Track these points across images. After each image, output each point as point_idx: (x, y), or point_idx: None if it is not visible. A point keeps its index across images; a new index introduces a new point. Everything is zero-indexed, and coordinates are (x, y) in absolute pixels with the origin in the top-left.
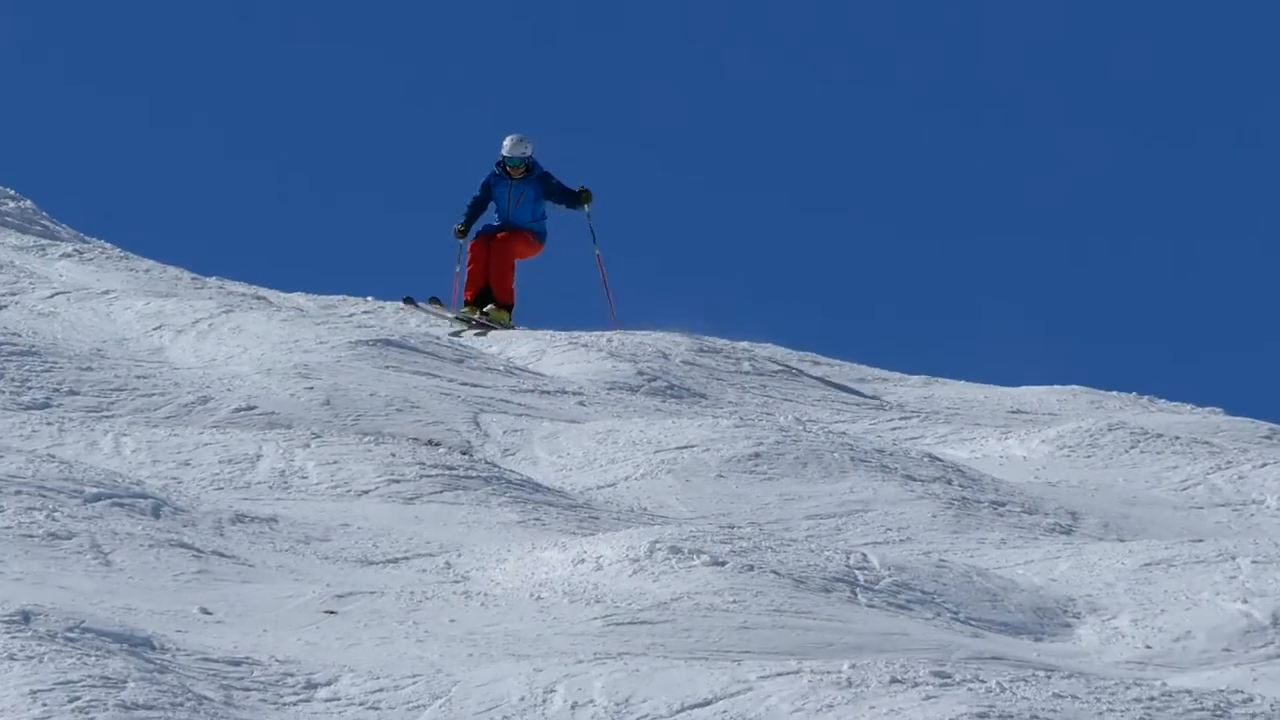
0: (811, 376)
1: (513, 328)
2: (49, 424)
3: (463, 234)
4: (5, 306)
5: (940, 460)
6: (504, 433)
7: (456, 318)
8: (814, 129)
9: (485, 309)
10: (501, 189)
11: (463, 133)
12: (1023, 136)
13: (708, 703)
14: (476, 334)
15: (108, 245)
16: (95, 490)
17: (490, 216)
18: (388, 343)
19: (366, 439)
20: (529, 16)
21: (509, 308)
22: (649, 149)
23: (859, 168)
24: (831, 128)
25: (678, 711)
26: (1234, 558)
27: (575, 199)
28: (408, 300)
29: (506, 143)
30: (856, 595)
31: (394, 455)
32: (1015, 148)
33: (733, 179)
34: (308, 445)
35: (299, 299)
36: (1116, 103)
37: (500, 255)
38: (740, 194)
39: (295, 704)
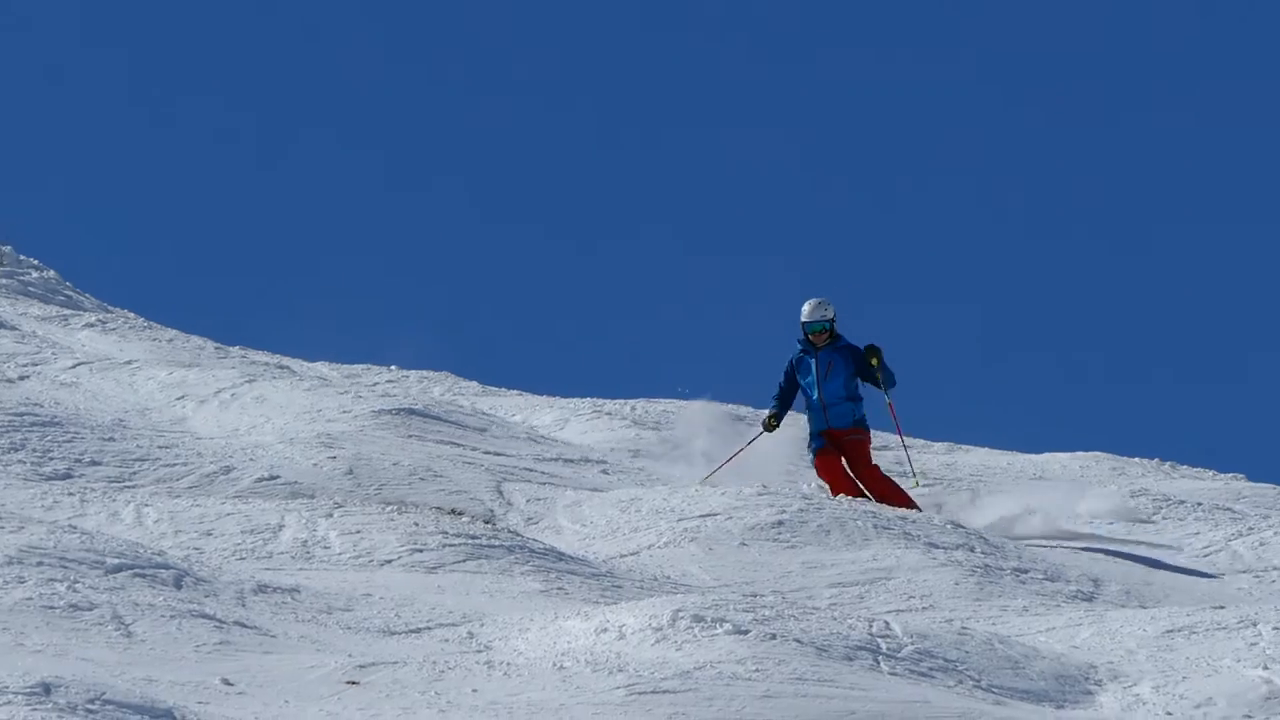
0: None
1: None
2: (70, 494)
3: (773, 426)
4: (27, 377)
5: (963, 527)
6: (527, 501)
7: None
8: (817, 207)
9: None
10: (807, 364)
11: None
12: (1042, 215)
13: None
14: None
15: (131, 315)
16: (117, 561)
17: (798, 402)
18: (411, 411)
19: (389, 508)
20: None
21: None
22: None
23: (869, 232)
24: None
25: None
26: (1255, 624)
27: (874, 377)
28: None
29: (806, 308)
30: (879, 663)
31: (417, 525)
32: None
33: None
34: (330, 515)
35: (322, 368)
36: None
37: (870, 475)
38: (759, 266)
39: None
